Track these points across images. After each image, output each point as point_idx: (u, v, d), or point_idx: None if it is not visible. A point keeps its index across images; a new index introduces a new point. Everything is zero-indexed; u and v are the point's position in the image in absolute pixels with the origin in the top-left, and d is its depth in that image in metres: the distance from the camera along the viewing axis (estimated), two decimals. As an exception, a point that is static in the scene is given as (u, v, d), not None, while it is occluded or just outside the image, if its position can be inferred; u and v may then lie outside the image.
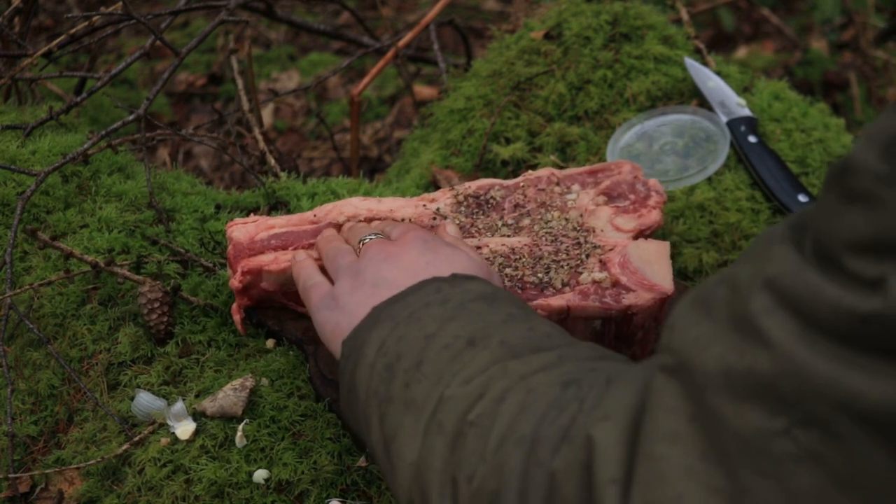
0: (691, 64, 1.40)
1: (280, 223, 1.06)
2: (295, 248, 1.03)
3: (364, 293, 0.84)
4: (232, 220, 1.10)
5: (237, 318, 1.04)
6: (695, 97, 1.39)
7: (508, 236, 1.04)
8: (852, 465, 0.48)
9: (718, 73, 1.42)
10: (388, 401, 0.74)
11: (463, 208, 1.08)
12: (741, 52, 2.59)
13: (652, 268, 0.98)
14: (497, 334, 0.73)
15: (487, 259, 1.01)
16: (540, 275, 0.99)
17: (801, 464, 0.49)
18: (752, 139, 1.31)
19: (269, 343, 1.06)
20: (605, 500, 0.56)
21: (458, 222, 1.06)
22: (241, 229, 1.05)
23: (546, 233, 1.04)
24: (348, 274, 0.88)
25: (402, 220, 1.06)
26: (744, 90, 1.42)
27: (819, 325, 0.50)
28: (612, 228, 1.05)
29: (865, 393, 0.47)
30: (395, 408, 0.73)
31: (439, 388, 0.71)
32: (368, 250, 0.89)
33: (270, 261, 1.01)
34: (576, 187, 1.10)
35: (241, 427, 0.94)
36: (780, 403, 0.50)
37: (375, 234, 0.94)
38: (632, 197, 1.09)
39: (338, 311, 0.86)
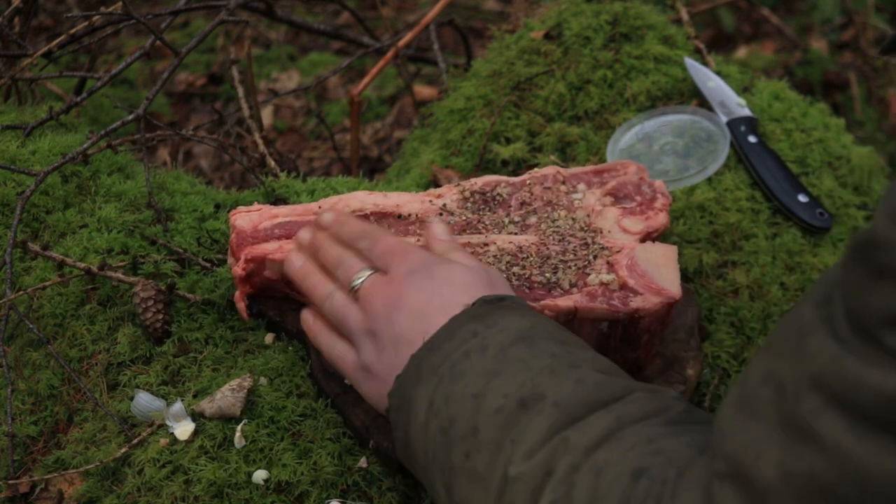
0: (691, 64, 1.40)
1: (284, 213, 1.05)
2: None
3: (389, 355, 0.83)
4: (232, 217, 1.09)
5: (241, 305, 1.04)
6: (695, 97, 1.39)
7: (515, 234, 1.04)
8: None
9: (718, 73, 1.42)
10: (452, 470, 0.74)
11: (469, 204, 1.08)
12: (741, 52, 2.59)
13: (660, 271, 0.98)
14: (548, 393, 0.72)
15: (495, 257, 1.00)
16: (548, 275, 0.98)
17: None
18: (752, 139, 1.30)
19: (268, 338, 1.06)
20: None
21: (464, 218, 1.06)
22: (245, 217, 1.05)
23: (553, 232, 1.04)
24: (366, 339, 0.86)
25: (409, 215, 1.05)
26: (744, 90, 1.42)
27: (866, 417, 0.50)
28: (619, 230, 1.05)
29: None
30: (461, 479, 0.73)
31: (501, 459, 0.70)
32: (369, 304, 0.86)
33: (274, 249, 1.01)
34: (581, 186, 1.10)
35: (239, 428, 0.94)
36: None
37: (364, 269, 0.89)
38: (638, 198, 1.09)
39: (373, 380, 0.85)
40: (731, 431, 0.58)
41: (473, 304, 0.81)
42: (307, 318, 0.94)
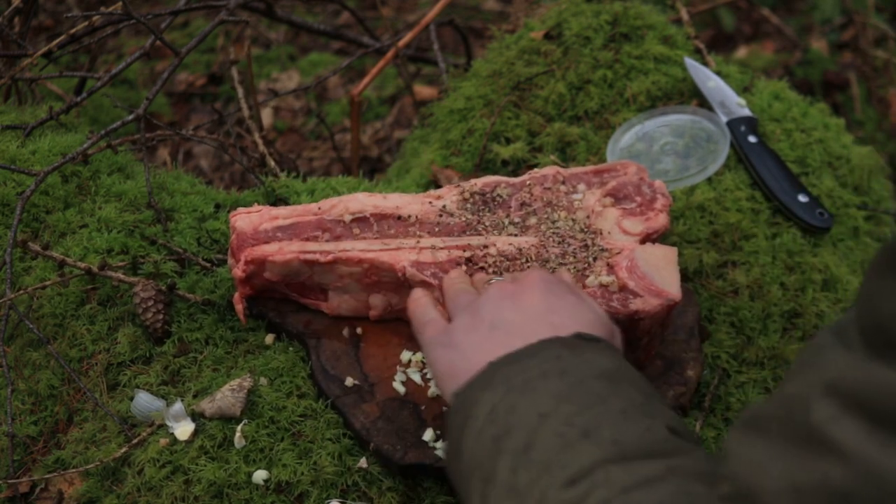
0: (691, 64, 1.40)
1: (284, 214, 1.05)
2: (303, 240, 1.02)
3: (480, 334, 0.82)
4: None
5: (239, 307, 1.04)
6: (695, 97, 1.39)
7: (515, 235, 1.04)
8: None
9: (718, 73, 1.42)
10: (492, 481, 0.72)
11: (469, 205, 1.08)
12: (741, 52, 2.59)
13: (660, 273, 0.98)
14: (610, 430, 0.70)
15: (494, 258, 1.00)
16: None
17: None
18: (752, 139, 1.30)
19: (269, 339, 1.06)
20: None
21: (463, 219, 1.06)
22: (245, 219, 1.05)
23: (553, 233, 1.04)
24: (466, 312, 0.85)
25: (409, 216, 1.05)
26: (744, 90, 1.42)
27: (886, 421, 0.48)
28: (619, 231, 1.04)
29: None
30: (498, 491, 0.71)
31: (544, 480, 0.68)
32: (489, 289, 0.86)
33: (275, 251, 1.01)
34: (581, 187, 1.10)
35: (239, 428, 0.94)
36: None
37: (501, 278, 0.91)
38: (638, 199, 1.08)
39: (452, 350, 0.83)
40: (736, 452, 0.56)
41: (569, 335, 0.79)
42: (417, 291, 0.93)
